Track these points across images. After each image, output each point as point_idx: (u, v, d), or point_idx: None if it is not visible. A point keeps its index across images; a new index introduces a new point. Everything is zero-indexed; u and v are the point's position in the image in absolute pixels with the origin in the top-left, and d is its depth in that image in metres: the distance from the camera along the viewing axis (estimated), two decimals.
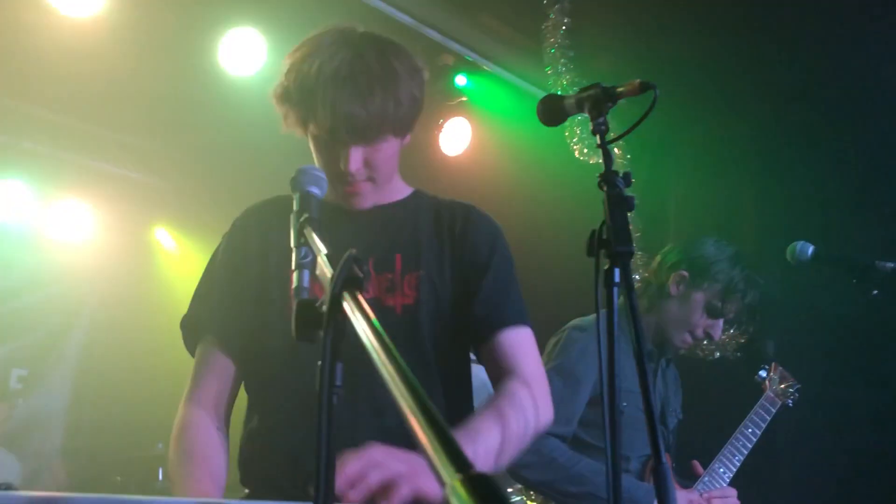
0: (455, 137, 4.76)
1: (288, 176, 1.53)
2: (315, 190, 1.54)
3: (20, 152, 5.11)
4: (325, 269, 1.17)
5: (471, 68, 4.62)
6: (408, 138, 1.88)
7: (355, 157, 1.76)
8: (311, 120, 1.76)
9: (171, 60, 4.22)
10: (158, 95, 4.55)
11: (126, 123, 4.98)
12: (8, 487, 1.20)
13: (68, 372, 5.65)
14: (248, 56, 4.06)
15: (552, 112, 1.66)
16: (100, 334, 5.64)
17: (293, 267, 1.42)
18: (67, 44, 4.08)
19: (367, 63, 1.73)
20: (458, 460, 0.65)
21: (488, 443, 1.60)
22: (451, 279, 1.86)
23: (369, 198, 1.86)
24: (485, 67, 4.65)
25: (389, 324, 1.81)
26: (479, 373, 1.93)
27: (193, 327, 1.90)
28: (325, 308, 1.08)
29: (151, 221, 5.86)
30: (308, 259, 1.44)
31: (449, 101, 4.68)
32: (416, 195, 1.99)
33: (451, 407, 1.81)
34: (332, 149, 1.78)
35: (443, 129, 4.72)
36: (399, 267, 1.85)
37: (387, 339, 0.91)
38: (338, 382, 1.08)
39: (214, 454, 1.75)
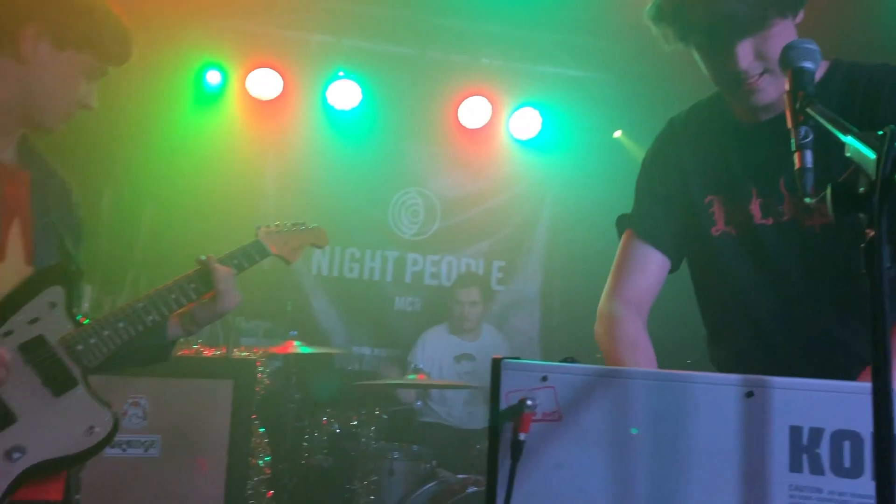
0: None
1: None
2: (808, 65, 1.48)
3: (478, 69, 5.70)
4: (861, 148, 1.13)
5: None
6: (800, 15, 1.72)
7: (744, 53, 1.67)
8: (690, 30, 1.70)
9: None
10: None
11: (578, 25, 5.18)
12: (571, 360, 1.42)
13: (538, 261, 6.29)
14: None
15: None
16: (562, 226, 6.16)
17: (794, 148, 1.40)
18: None
19: None
20: None
21: None
22: None
23: (771, 92, 1.73)
24: None
25: (810, 245, 1.74)
26: None
27: (623, 222, 2.03)
28: (868, 188, 1.06)
29: (610, 121, 6.07)
30: (809, 139, 1.40)
31: None
32: (832, 68, 1.77)
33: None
34: (718, 53, 1.70)
35: None
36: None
37: None
38: (887, 263, 1.06)
39: (648, 345, 1.88)
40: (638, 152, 6.05)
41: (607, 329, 1.94)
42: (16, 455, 1.66)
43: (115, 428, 1.79)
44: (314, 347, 4.76)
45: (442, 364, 5.20)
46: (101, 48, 1.86)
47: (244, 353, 4.05)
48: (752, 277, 1.86)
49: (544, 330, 6.22)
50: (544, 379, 1.40)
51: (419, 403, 5.01)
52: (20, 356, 1.72)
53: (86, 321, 1.86)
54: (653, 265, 1.96)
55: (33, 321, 1.75)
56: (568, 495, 1.34)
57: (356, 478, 4.39)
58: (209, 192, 5.37)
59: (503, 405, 1.41)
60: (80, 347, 1.80)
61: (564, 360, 1.44)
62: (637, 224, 1.99)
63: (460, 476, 4.33)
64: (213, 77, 5.39)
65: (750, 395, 1.27)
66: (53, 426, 1.73)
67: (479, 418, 5.14)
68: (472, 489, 4.12)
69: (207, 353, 3.90)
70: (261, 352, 4.20)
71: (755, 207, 1.83)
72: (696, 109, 2.00)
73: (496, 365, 1.44)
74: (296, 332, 4.73)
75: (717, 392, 1.29)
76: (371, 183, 5.95)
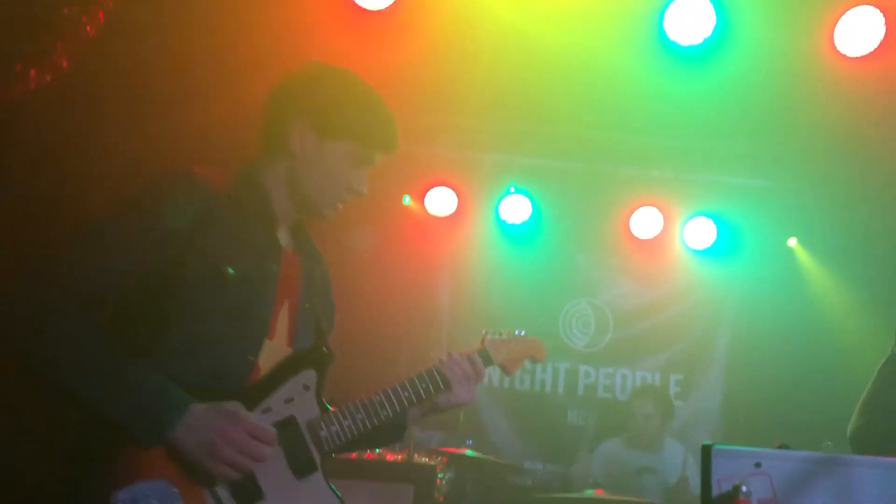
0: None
1: None
2: None
3: (649, 180, 5.73)
4: None
5: None
6: None
7: None
8: None
9: (776, 57, 4.26)
10: (765, 98, 4.64)
11: (750, 133, 5.16)
12: (785, 446, 1.38)
13: (718, 375, 6.03)
14: (863, 36, 3.88)
15: None
16: (745, 339, 5.90)
17: None
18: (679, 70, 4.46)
19: None
20: None
21: None
22: None
23: None
24: None
25: None
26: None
27: None
28: None
29: (786, 229, 5.90)
30: None
31: None
32: None
33: None
34: None
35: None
36: None
37: None
38: None
39: None
40: (812, 263, 5.79)
41: None
42: None
43: None
44: (485, 455, 4.74)
45: (621, 478, 5.01)
46: (362, 135, 1.96)
47: (424, 459, 4.11)
48: None
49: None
50: (758, 465, 1.37)
51: None
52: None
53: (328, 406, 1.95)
54: None
55: (288, 401, 1.86)
56: None
57: None
58: (389, 303, 5.62)
59: (715, 492, 1.38)
60: (322, 433, 1.89)
61: (779, 447, 1.40)
62: None
63: None
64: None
65: None
66: None
67: None
68: None
69: (389, 458, 3.99)
70: (439, 457, 4.24)
71: None
72: None
73: (706, 451, 1.43)
74: (471, 442, 4.76)
75: None
76: (541, 294, 6.01)
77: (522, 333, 2.30)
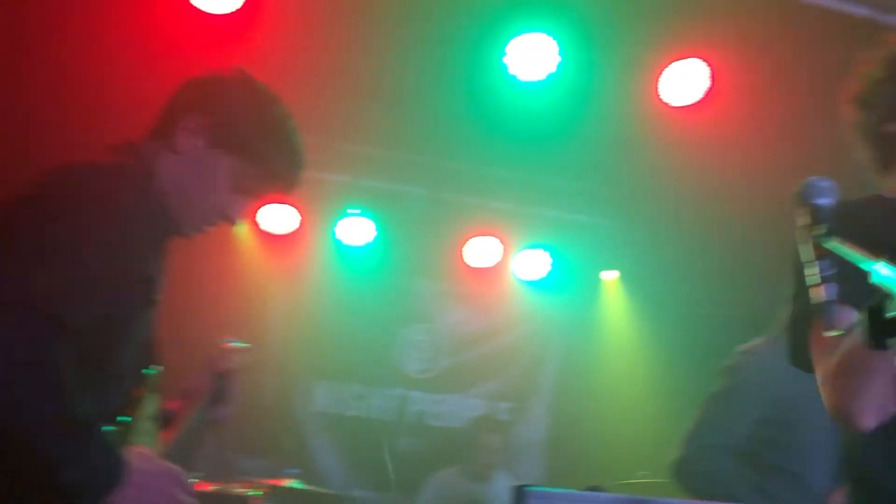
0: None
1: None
2: (823, 202, 1.50)
3: (489, 211, 5.83)
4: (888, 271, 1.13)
5: None
6: None
7: None
8: None
9: (614, 101, 4.46)
10: (602, 139, 4.85)
11: (585, 171, 5.35)
12: (596, 488, 1.36)
13: (545, 404, 6.17)
14: (690, 86, 4.13)
15: None
16: (571, 370, 6.09)
17: (817, 282, 1.41)
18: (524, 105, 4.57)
19: None
20: None
21: None
22: None
23: None
24: None
25: None
26: None
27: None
28: None
29: (601, 263, 6.15)
30: (832, 272, 1.41)
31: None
32: None
33: None
34: None
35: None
36: None
37: None
38: None
39: None
40: (633, 300, 6.07)
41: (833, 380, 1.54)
42: None
43: None
44: (311, 486, 4.56)
45: None
46: (257, 159, 1.71)
47: (245, 489, 3.90)
48: None
49: (552, 477, 6.00)
50: None
51: None
52: None
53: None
54: None
55: (144, 434, 1.70)
56: None
57: None
58: (213, 324, 5.34)
59: None
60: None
61: (590, 489, 1.39)
62: None
63: None
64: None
65: None
66: None
67: None
68: None
69: (198, 487, 3.74)
70: (255, 484, 4.03)
71: None
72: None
73: (518, 493, 1.39)
74: (299, 471, 4.56)
75: None
76: (378, 318, 5.92)
77: (234, 342, 2.15)
